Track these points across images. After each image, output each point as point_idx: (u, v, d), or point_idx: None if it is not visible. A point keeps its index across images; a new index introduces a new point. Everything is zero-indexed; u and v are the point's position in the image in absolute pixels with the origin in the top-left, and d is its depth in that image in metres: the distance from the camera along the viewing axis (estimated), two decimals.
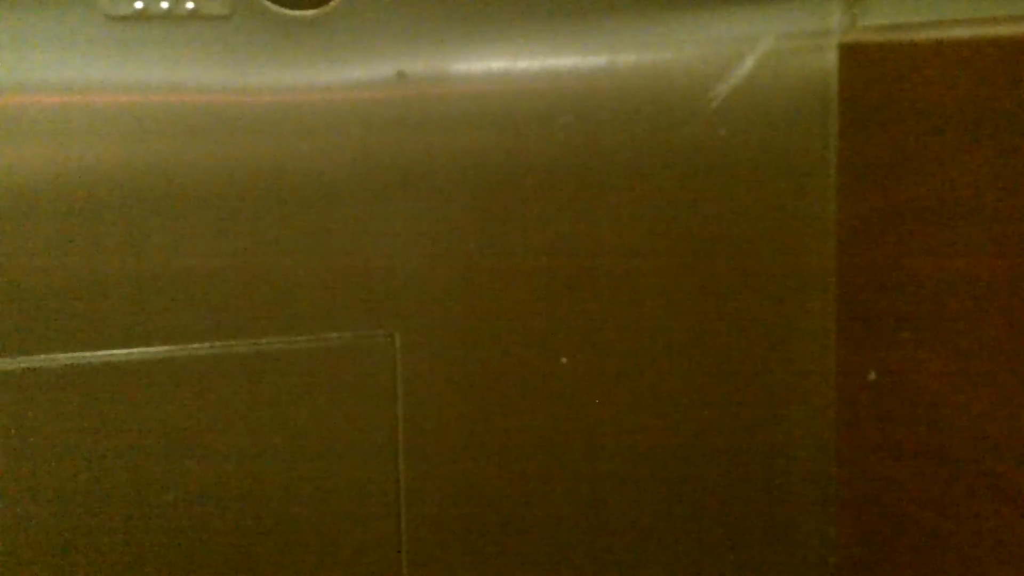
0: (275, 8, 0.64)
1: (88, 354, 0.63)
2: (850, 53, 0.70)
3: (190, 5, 0.63)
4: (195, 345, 0.65)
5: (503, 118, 0.68)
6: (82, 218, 0.62)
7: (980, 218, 0.62)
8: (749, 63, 0.70)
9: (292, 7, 0.64)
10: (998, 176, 0.61)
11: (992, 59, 0.61)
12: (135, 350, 0.64)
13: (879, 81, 0.68)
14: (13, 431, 0.63)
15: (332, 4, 0.65)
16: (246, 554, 0.67)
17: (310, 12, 0.65)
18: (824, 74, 0.70)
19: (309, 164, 0.65)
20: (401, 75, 0.66)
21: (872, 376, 0.70)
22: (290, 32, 0.65)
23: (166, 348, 0.65)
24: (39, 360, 0.63)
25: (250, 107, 0.64)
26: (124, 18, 0.62)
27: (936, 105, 0.64)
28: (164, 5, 0.62)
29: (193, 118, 0.63)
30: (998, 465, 0.62)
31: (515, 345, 0.69)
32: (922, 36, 0.65)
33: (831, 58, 0.70)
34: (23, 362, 0.63)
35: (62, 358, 0.63)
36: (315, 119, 0.65)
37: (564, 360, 0.70)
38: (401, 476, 0.69)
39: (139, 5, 0.62)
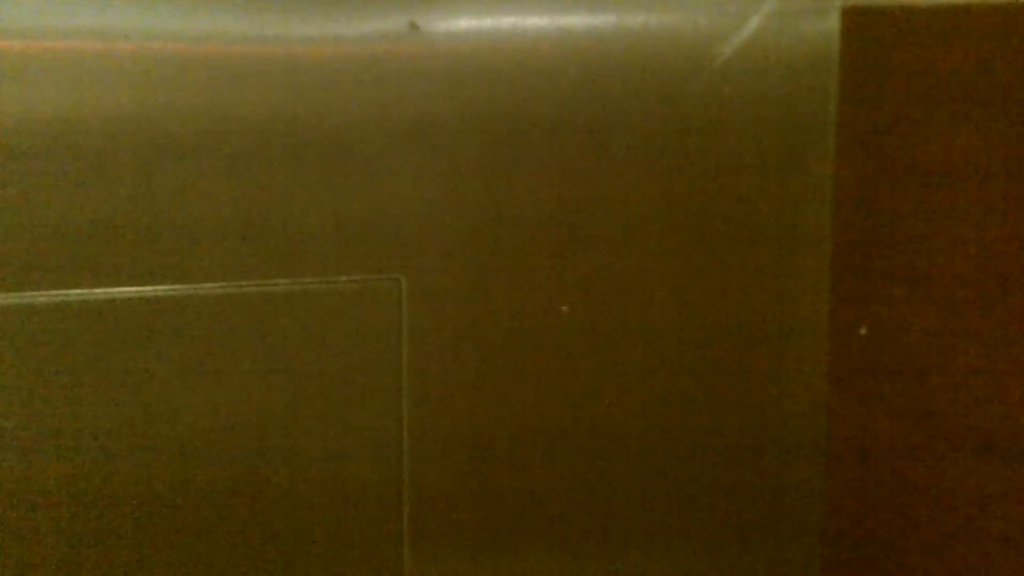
0: None
1: (100, 291, 0.65)
2: (852, 16, 0.71)
3: None
4: (205, 285, 0.66)
5: (513, 72, 0.69)
6: (96, 160, 0.63)
7: (974, 182, 0.64)
8: (753, 24, 0.71)
9: None
10: (992, 141, 0.62)
11: (988, 25, 0.63)
12: (146, 288, 0.66)
13: (879, 45, 0.70)
14: (22, 365, 0.64)
15: None
16: (250, 485, 0.68)
17: None
18: (826, 37, 0.72)
19: (320, 113, 0.67)
20: (414, 27, 0.67)
21: (864, 331, 0.71)
22: None
23: (177, 287, 0.66)
24: (52, 295, 0.64)
25: (263, 56, 0.65)
26: None
27: (934, 70, 0.66)
28: None
29: (206, 66, 0.65)
30: (983, 421, 0.64)
31: (517, 293, 0.71)
32: (921, 1, 0.67)
33: (833, 21, 0.72)
34: (36, 297, 0.64)
35: (74, 294, 0.64)
36: (327, 69, 0.66)
37: (565, 308, 0.72)
38: (404, 417, 0.70)
39: None
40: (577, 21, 0.70)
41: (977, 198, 0.63)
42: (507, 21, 0.69)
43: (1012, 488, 0.62)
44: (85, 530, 0.66)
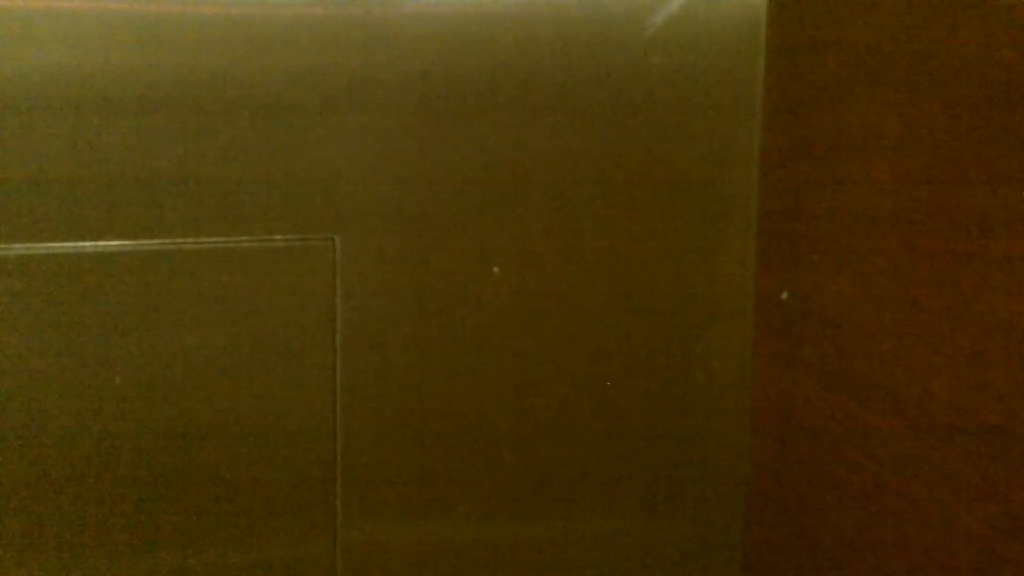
0: None
1: (40, 245, 0.66)
2: None
3: None
4: (144, 241, 0.68)
5: (446, 39, 0.70)
6: (40, 118, 0.65)
7: (885, 152, 0.65)
8: None
9: None
10: (902, 114, 0.64)
11: (900, 4, 0.64)
12: (87, 243, 0.67)
13: (803, 19, 0.71)
14: None
15: None
16: (183, 442, 0.70)
17: None
18: (754, 10, 0.74)
19: (259, 75, 0.68)
20: None
21: (784, 296, 0.73)
22: None
23: (111, 243, 0.67)
24: None
25: (203, 19, 0.67)
26: None
27: (851, 45, 0.68)
28: None
29: (148, 28, 0.66)
30: (893, 382, 0.66)
31: (449, 254, 0.72)
32: None
33: None
34: None
35: (16, 248, 0.66)
36: (266, 33, 0.68)
37: (496, 270, 0.73)
38: (337, 373, 0.72)
39: None
40: None
41: (891, 169, 0.65)
42: None
43: (920, 447, 0.64)
44: (16, 477, 0.67)
